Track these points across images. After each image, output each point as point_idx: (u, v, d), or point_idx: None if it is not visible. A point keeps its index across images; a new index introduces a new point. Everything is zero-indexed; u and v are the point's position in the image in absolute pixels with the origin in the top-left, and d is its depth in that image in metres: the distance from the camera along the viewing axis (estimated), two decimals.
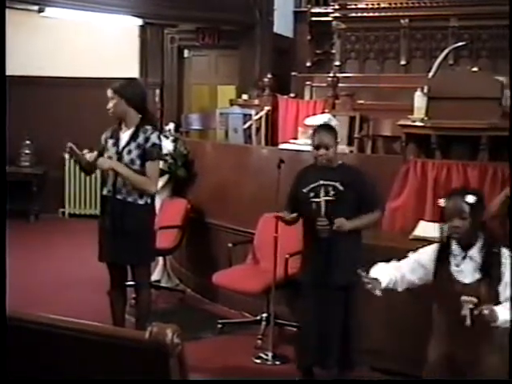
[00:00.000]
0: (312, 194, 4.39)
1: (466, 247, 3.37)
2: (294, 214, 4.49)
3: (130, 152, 4.82)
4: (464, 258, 3.35)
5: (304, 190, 4.42)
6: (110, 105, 4.84)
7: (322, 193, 4.36)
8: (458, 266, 3.34)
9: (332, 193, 4.37)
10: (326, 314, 4.44)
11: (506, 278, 3.29)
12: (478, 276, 3.31)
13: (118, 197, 4.81)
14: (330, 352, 4.46)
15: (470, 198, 3.36)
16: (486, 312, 3.12)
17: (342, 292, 4.41)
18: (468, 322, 3.19)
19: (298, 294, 4.70)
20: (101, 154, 4.94)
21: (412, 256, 3.57)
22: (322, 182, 4.38)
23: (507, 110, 7.22)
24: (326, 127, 4.73)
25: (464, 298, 3.20)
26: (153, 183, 4.95)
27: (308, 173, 4.54)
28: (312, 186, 4.40)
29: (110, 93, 4.84)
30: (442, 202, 3.45)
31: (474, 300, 3.20)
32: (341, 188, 4.38)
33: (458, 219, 3.33)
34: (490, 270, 3.31)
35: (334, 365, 4.53)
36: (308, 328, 4.51)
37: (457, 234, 3.35)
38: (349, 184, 4.40)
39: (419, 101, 6.42)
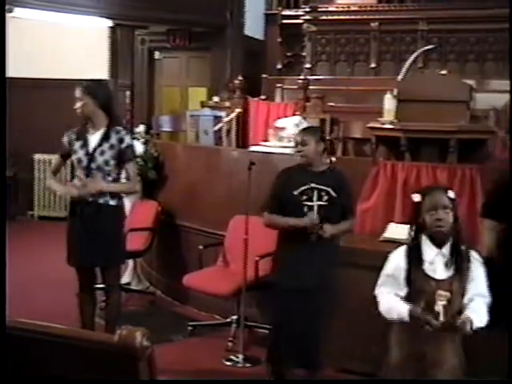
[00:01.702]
0: (305, 197, 4.38)
1: (440, 243, 3.38)
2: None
3: (103, 153, 4.79)
4: (437, 254, 3.36)
5: (295, 192, 4.39)
6: (79, 105, 4.80)
7: (316, 197, 4.37)
8: (431, 263, 3.34)
9: (325, 198, 4.39)
10: (305, 315, 4.42)
11: (473, 275, 3.34)
12: (449, 272, 3.33)
13: (90, 199, 4.78)
14: (308, 353, 4.48)
15: (451, 193, 3.41)
16: (463, 322, 3.18)
17: (318, 294, 4.42)
18: (441, 318, 3.22)
19: (271, 296, 4.68)
20: (66, 157, 4.91)
21: (384, 275, 3.50)
22: (313, 186, 4.38)
23: (475, 113, 7.32)
24: (310, 128, 4.81)
25: (440, 292, 3.23)
26: (136, 182, 5.17)
27: (295, 174, 4.51)
28: (303, 188, 4.39)
29: (78, 93, 4.80)
30: (416, 196, 3.44)
31: (449, 295, 3.23)
32: (334, 194, 4.40)
33: (442, 211, 3.35)
34: (461, 266, 3.34)
35: (312, 366, 4.54)
36: (287, 330, 4.46)
37: (441, 226, 3.34)
38: (340, 190, 4.43)
39: (389, 103, 6.46)
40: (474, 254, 3.42)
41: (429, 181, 5.30)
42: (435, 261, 3.35)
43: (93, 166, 4.78)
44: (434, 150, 6.04)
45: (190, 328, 5.97)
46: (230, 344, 5.57)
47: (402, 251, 3.44)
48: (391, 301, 3.38)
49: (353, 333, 4.85)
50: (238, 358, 5.35)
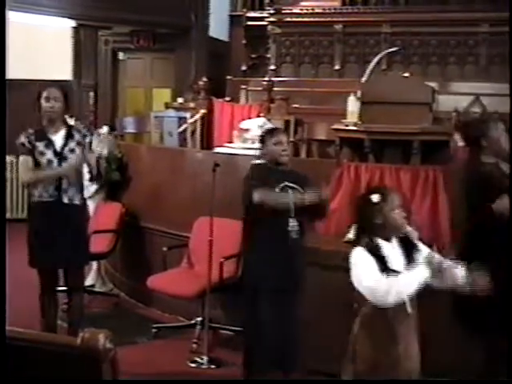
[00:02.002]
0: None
1: (390, 238, 3.45)
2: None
3: (72, 151, 4.85)
4: (392, 248, 3.42)
5: (276, 190, 4.40)
6: (56, 105, 4.80)
7: (291, 195, 4.38)
8: (388, 257, 3.39)
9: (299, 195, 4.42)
10: (284, 315, 4.43)
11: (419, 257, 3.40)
12: (403, 263, 3.39)
13: (65, 201, 4.79)
14: (287, 354, 4.49)
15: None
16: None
17: (294, 294, 4.44)
18: (409, 309, 3.31)
19: (238, 297, 4.66)
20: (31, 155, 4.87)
21: (365, 269, 3.42)
22: (287, 184, 4.41)
23: (438, 115, 7.40)
24: (279, 128, 4.84)
25: None
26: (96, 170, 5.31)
27: (269, 172, 4.51)
28: (281, 186, 4.42)
29: (56, 92, 4.80)
30: (375, 197, 3.47)
31: None
32: (302, 191, 4.44)
33: (401, 211, 3.44)
34: (412, 255, 3.42)
35: (290, 367, 4.54)
36: (266, 332, 4.45)
37: (406, 222, 3.45)
38: (305, 186, 4.47)
39: (352, 105, 6.51)
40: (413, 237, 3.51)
41: (392, 182, 5.35)
42: (392, 255, 3.40)
43: (63, 164, 4.79)
44: (397, 151, 6.10)
45: (154, 330, 5.94)
46: (194, 346, 5.55)
47: (363, 251, 3.43)
48: (402, 277, 3.31)
49: (317, 333, 4.86)
50: (202, 359, 5.34)
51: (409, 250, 3.44)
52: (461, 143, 4.32)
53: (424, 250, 3.47)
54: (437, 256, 3.41)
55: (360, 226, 3.51)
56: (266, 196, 4.32)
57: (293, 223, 4.38)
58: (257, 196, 4.30)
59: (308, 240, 4.65)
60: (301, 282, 4.45)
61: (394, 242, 3.45)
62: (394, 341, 3.38)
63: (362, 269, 3.36)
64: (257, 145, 4.84)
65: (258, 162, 4.62)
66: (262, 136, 4.70)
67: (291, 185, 4.43)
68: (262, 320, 4.42)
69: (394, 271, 3.35)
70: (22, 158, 4.84)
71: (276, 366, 4.51)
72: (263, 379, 4.54)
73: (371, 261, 3.36)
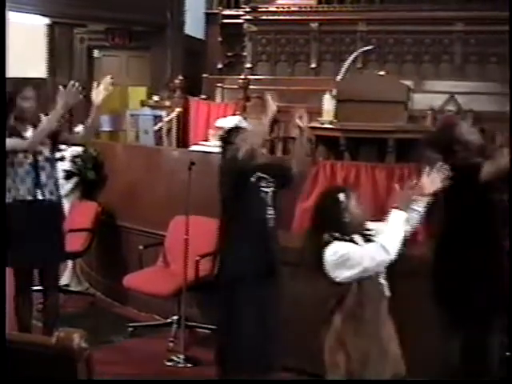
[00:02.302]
0: (261, 184, 4.42)
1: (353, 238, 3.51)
2: None
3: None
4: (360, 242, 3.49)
5: (252, 179, 4.40)
6: (34, 104, 4.83)
7: (265, 184, 4.41)
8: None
9: (271, 185, 4.45)
10: (269, 309, 4.42)
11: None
12: None
13: (42, 197, 4.78)
14: (265, 353, 4.45)
15: None
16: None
17: (273, 286, 4.44)
18: (387, 292, 3.44)
19: (214, 296, 4.64)
20: None
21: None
22: (260, 175, 4.42)
23: (413, 113, 7.45)
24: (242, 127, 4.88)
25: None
26: None
27: (245, 164, 4.50)
28: (257, 176, 4.42)
29: (33, 92, 4.82)
30: (342, 196, 3.51)
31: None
32: (273, 180, 4.46)
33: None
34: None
35: (269, 367, 4.51)
36: (244, 330, 4.39)
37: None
38: (274, 175, 4.49)
39: (328, 103, 6.53)
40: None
41: (367, 180, 5.37)
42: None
43: (40, 158, 4.79)
44: (372, 149, 6.13)
45: (130, 329, 5.93)
46: (170, 344, 5.55)
47: (339, 243, 3.45)
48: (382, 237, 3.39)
49: (286, 330, 4.87)
50: (179, 358, 5.34)
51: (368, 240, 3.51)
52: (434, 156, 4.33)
53: (379, 227, 3.54)
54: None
55: (327, 226, 3.52)
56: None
57: (270, 211, 4.40)
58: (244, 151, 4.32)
59: (282, 239, 4.65)
60: (278, 268, 4.45)
61: (360, 240, 3.49)
62: (380, 325, 3.47)
63: (352, 255, 3.38)
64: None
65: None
66: (227, 136, 4.66)
67: (263, 176, 4.43)
68: (239, 318, 4.41)
69: None
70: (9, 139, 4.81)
71: (252, 365, 4.49)
72: (245, 379, 4.53)
73: (350, 245, 3.42)
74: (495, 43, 10.74)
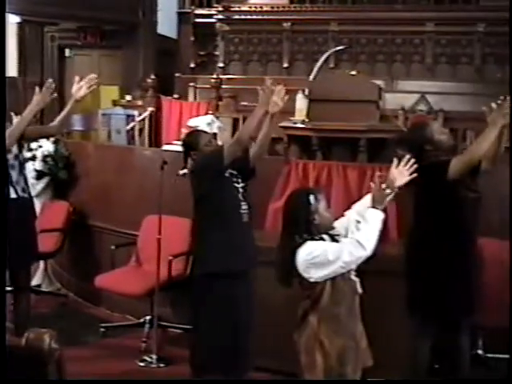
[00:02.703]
0: (233, 179, 4.41)
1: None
2: None
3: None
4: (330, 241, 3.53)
5: (226, 174, 4.40)
6: None
7: (235, 179, 4.41)
8: None
9: (240, 180, 4.45)
10: (242, 308, 4.40)
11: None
12: None
13: (19, 195, 4.78)
14: (238, 354, 4.42)
15: None
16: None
17: (250, 284, 4.45)
18: (359, 289, 3.49)
19: (186, 295, 4.63)
20: None
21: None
22: (230, 171, 4.42)
23: (385, 112, 7.49)
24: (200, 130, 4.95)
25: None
26: None
27: (215, 161, 4.50)
28: (229, 172, 4.42)
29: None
30: (312, 198, 3.54)
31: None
32: (241, 176, 4.46)
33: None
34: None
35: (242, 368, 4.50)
36: (228, 327, 4.35)
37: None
38: (240, 172, 4.48)
39: (300, 103, 6.53)
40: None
41: (339, 179, 5.40)
42: None
43: (9, 157, 4.82)
44: (344, 149, 6.15)
45: (102, 329, 5.89)
46: (143, 345, 5.52)
47: (312, 242, 3.48)
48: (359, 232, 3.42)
49: (262, 330, 4.88)
50: (151, 358, 5.32)
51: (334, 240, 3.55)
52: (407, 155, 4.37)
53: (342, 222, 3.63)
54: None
55: (297, 228, 3.53)
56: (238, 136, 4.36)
57: (244, 206, 4.40)
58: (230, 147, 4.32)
59: (255, 238, 4.65)
60: (255, 264, 4.46)
61: (327, 240, 3.53)
62: (353, 321, 3.52)
63: (330, 252, 3.40)
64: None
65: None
66: (189, 142, 4.64)
67: (232, 172, 4.44)
68: (211, 317, 4.40)
69: None
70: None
71: (225, 365, 4.49)
72: (223, 379, 4.53)
73: (324, 243, 3.45)
74: (466, 44, 10.87)
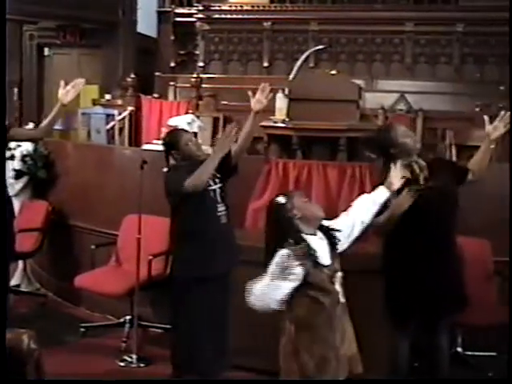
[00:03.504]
0: (210, 181, 4.40)
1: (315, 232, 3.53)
2: None
3: None
4: (320, 240, 3.49)
5: None
6: None
7: (211, 181, 4.40)
8: (319, 251, 3.43)
9: (218, 180, 4.45)
10: (223, 307, 4.44)
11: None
12: (329, 253, 3.48)
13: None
14: (217, 354, 4.45)
15: None
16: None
17: (229, 280, 4.45)
18: (342, 298, 3.47)
19: (166, 295, 4.63)
20: None
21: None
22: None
23: (364, 112, 7.52)
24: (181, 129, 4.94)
25: (338, 273, 3.47)
26: None
27: (190, 166, 4.49)
28: None
29: None
30: (281, 199, 3.53)
31: (342, 273, 3.50)
32: (219, 175, 4.45)
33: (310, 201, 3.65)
34: (334, 240, 3.53)
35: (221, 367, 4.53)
36: (208, 327, 4.40)
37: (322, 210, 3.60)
38: (220, 170, 4.47)
39: (280, 102, 6.54)
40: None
41: (319, 178, 5.41)
42: (321, 248, 3.46)
43: None
44: (324, 148, 6.16)
45: (82, 329, 5.87)
46: (123, 344, 5.51)
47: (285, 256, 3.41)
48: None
49: (244, 329, 4.88)
50: (131, 358, 5.30)
51: (331, 237, 3.53)
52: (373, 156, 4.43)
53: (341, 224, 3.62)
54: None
55: (282, 233, 3.51)
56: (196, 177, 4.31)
57: (220, 208, 4.40)
58: (189, 185, 4.28)
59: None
60: (234, 267, 4.46)
61: (319, 233, 3.52)
62: (332, 331, 3.46)
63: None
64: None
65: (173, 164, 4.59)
66: (170, 141, 4.63)
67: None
68: (190, 317, 4.40)
69: (323, 266, 3.42)
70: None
71: (204, 365, 4.50)
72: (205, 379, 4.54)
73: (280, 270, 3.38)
74: (445, 44, 10.94)
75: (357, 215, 3.69)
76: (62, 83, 4.88)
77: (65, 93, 4.84)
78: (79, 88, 4.93)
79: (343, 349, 3.51)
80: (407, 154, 4.22)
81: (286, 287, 3.36)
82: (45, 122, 4.99)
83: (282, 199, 3.54)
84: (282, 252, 3.39)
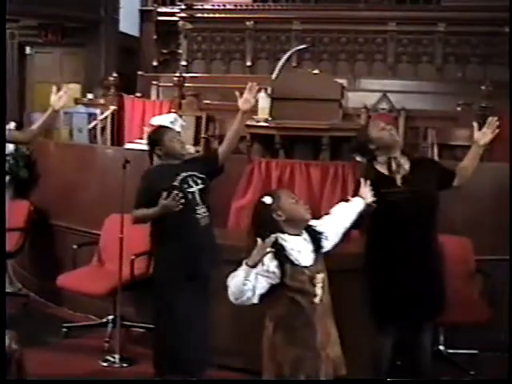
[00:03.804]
0: (185, 186, 4.39)
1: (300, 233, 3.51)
2: None
3: None
4: (302, 241, 3.47)
5: (175, 183, 4.37)
6: None
7: (192, 183, 4.39)
8: (299, 251, 3.42)
9: (200, 181, 4.44)
10: (205, 308, 4.45)
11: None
12: (312, 253, 3.46)
13: None
14: (198, 354, 4.44)
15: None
16: None
17: (209, 282, 4.45)
18: (318, 300, 3.42)
19: (149, 294, 4.62)
20: None
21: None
22: (185, 174, 4.41)
23: (347, 111, 7.53)
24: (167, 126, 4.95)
25: (320, 275, 3.44)
26: None
27: (166, 168, 4.49)
28: (180, 178, 4.40)
29: None
30: (268, 199, 3.51)
31: (323, 275, 3.47)
32: (203, 176, 4.46)
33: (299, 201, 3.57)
34: (319, 242, 3.52)
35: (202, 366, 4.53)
36: (193, 326, 4.41)
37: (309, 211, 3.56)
38: (206, 171, 4.50)
39: (263, 101, 6.53)
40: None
41: (302, 178, 5.43)
42: (304, 249, 3.45)
43: None
44: (307, 147, 6.16)
45: (64, 330, 5.84)
46: (106, 344, 5.49)
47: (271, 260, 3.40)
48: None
49: (227, 329, 4.89)
50: (114, 358, 5.29)
51: (317, 239, 3.52)
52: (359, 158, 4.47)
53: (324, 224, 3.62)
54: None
55: (263, 231, 3.50)
56: (140, 214, 4.43)
57: (200, 210, 4.39)
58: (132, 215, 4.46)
59: (217, 236, 4.65)
60: (216, 268, 4.44)
61: (304, 234, 3.50)
62: (312, 333, 3.44)
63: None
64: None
65: (157, 163, 4.59)
66: (154, 138, 4.64)
67: (191, 173, 4.43)
68: (172, 318, 4.41)
69: (303, 267, 3.41)
70: None
71: (186, 365, 4.50)
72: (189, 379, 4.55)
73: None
74: (427, 43, 10.99)
75: (339, 220, 3.72)
76: (54, 89, 4.84)
77: (57, 99, 4.80)
78: (71, 93, 4.88)
79: (327, 350, 3.49)
80: (387, 148, 4.24)
81: (260, 281, 3.33)
82: (34, 126, 4.93)
83: (268, 199, 3.50)
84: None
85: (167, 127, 4.90)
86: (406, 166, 4.26)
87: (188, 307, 4.37)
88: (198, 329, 4.41)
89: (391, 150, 4.23)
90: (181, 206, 4.24)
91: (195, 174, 4.45)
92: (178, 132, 4.90)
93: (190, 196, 4.38)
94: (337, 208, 3.82)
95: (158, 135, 4.60)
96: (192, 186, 4.40)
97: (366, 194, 3.87)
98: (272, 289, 3.39)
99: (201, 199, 4.41)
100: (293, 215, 3.48)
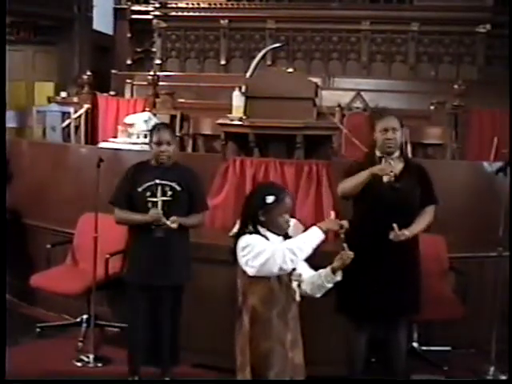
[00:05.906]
0: (148, 194, 4.38)
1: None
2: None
3: None
4: (281, 242, 3.49)
5: (139, 189, 4.38)
6: None
7: (159, 192, 4.38)
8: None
9: (169, 193, 4.41)
10: (158, 313, 4.47)
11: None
12: None
13: None
14: (161, 351, 4.52)
15: None
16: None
17: (170, 291, 4.46)
18: (298, 297, 3.47)
19: (124, 294, 4.64)
20: None
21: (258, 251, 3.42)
22: (158, 182, 4.38)
23: (321, 109, 7.56)
24: (165, 125, 4.84)
25: (295, 273, 3.47)
26: None
27: (142, 170, 4.48)
28: (147, 184, 4.38)
29: None
30: (270, 199, 3.49)
31: (300, 273, 3.49)
32: (178, 188, 4.42)
33: (287, 215, 3.53)
34: None
35: (166, 363, 4.60)
36: (141, 328, 4.50)
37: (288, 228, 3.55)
38: (185, 184, 4.46)
39: (237, 100, 6.53)
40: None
41: (277, 176, 5.43)
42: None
43: None
44: (281, 145, 6.16)
45: (38, 330, 5.81)
46: (80, 344, 5.46)
47: (250, 236, 3.45)
48: (295, 241, 3.40)
49: (207, 327, 4.89)
50: (88, 358, 5.26)
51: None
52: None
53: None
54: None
55: (247, 219, 3.53)
56: (124, 216, 4.50)
57: (163, 220, 4.37)
58: (116, 214, 4.52)
59: (192, 234, 4.65)
60: (177, 279, 4.48)
61: (275, 240, 3.51)
62: (286, 329, 3.47)
63: (255, 246, 3.38)
64: (142, 139, 4.80)
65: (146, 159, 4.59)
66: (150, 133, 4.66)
67: (162, 182, 4.40)
68: (136, 317, 4.46)
69: None
70: None
71: (151, 363, 4.56)
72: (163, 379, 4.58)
73: (260, 238, 3.42)
74: (400, 42, 11.07)
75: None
76: None
77: None
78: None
79: (293, 352, 3.52)
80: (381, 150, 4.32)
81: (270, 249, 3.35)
82: None
83: (270, 199, 3.47)
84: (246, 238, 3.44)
85: (157, 128, 4.80)
86: (399, 166, 4.31)
87: (136, 314, 4.49)
88: (165, 328, 4.46)
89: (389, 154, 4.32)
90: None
91: (168, 183, 4.42)
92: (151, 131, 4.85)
93: (150, 205, 4.38)
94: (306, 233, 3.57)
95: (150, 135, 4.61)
96: (156, 196, 4.40)
97: (331, 224, 3.55)
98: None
99: (163, 210, 4.36)
100: (274, 226, 3.50)
